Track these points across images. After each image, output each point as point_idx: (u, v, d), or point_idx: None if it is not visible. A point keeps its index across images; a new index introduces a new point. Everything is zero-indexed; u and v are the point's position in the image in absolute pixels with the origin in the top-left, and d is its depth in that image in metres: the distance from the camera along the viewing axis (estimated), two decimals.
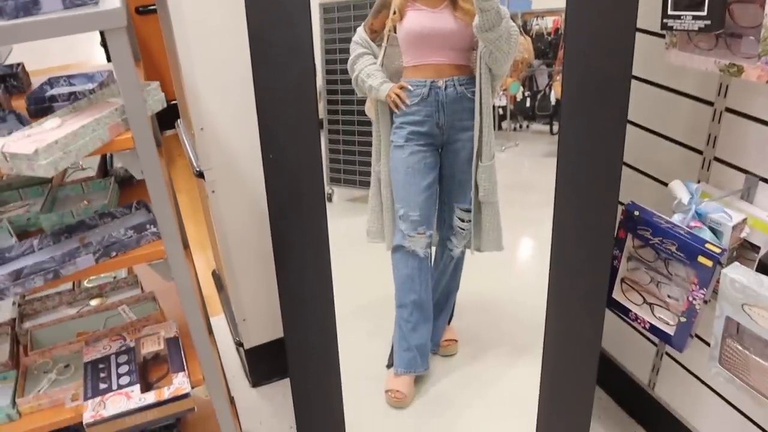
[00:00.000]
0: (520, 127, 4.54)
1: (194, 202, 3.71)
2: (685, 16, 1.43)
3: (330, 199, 3.42)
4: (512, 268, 2.82)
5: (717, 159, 1.70)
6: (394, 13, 1.92)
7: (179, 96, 2.22)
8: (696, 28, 1.42)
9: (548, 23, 4.70)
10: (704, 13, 1.40)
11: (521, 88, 4.36)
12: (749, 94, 1.58)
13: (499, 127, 4.36)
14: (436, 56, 1.90)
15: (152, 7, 3.56)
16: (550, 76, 4.35)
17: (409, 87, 1.89)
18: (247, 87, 1.42)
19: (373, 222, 2.09)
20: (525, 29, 4.67)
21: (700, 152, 1.74)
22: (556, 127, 4.47)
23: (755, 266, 1.50)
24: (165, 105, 1.35)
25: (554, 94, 4.20)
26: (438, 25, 1.87)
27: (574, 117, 1.47)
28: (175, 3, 1.75)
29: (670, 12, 1.47)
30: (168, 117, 2.68)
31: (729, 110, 1.65)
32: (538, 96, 4.53)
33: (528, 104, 4.52)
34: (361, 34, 1.99)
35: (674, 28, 1.47)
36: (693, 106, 1.74)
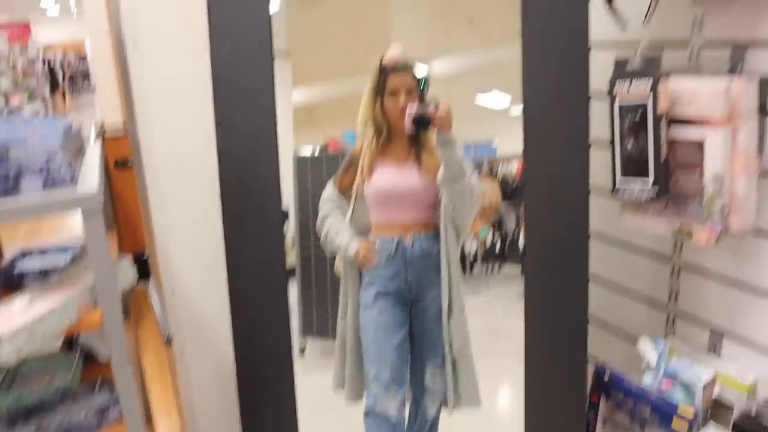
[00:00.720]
0: (492, 270, 4.61)
1: (162, 363, 3.59)
2: (634, 185, 1.53)
3: (302, 352, 3.35)
4: (492, 424, 2.71)
5: (681, 314, 1.73)
6: (362, 170, 1.96)
7: (151, 254, 2.23)
8: (644, 197, 1.51)
9: (513, 167, 4.94)
10: (650, 182, 1.49)
11: (491, 232, 4.47)
12: (703, 251, 1.64)
13: (471, 272, 4.42)
14: (403, 213, 1.92)
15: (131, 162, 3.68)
16: (518, 219, 4.49)
17: (376, 246, 1.92)
18: (219, 249, 1.46)
19: (338, 375, 2.05)
20: (491, 174, 4.90)
21: (664, 308, 1.78)
22: None
23: (730, 427, 1.49)
24: (137, 282, 1.36)
25: (523, 237, 4.30)
26: (405, 183, 1.90)
27: (537, 282, 1.52)
28: (150, 165, 1.81)
29: (619, 180, 1.56)
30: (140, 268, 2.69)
31: (686, 267, 1.71)
32: (508, 239, 4.64)
33: (498, 247, 4.62)
34: (329, 190, 2.01)
35: (624, 196, 1.56)
36: (652, 263, 1.79)
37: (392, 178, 1.92)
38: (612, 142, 1.59)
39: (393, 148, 1.95)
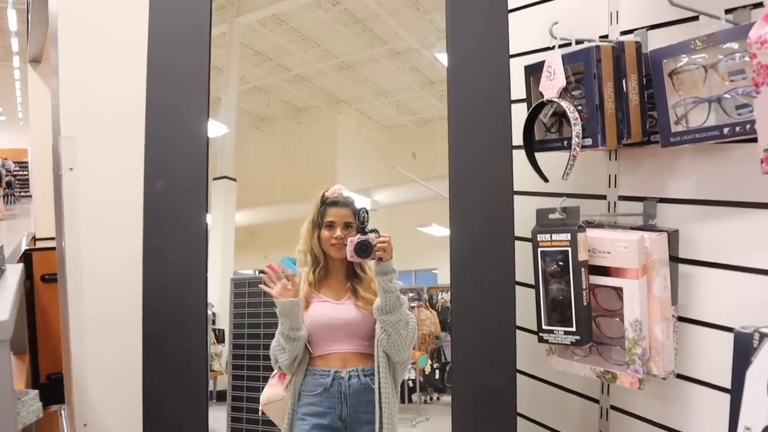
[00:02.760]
0: (431, 399, 4.50)
1: None
2: (558, 330, 1.57)
3: None
4: None
5: None
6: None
7: (66, 379, 2.10)
8: (568, 342, 1.55)
9: None
10: (573, 329, 1.54)
11: (429, 361, 4.42)
12: (629, 392, 1.67)
13: (410, 400, 4.31)
14: (341, 346, 1.90)
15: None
16: None
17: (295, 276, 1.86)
18: (137, 380, 1.39)
19: None
20: (431, 303, 4.92)
21: None
22: None
23: None
24: (40, 415, 1.27)
25: None
26: (342, 315, 1.90)
27: (464, 421, 1.50)
28: (74, 286, 1.75)
29: (544, 326, 1.61)
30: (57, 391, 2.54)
31: (614, 408, 1.73)
32: (447, 368, 4.58)
33: (438, 376, 4.54)
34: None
35: (549, 341, 1.60)
36: (582, 402, 1.80)
37: (329, 310, 1.91)
38: (536, 285, 1.64)
39: (330, 281, 1.97)
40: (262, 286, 1.85)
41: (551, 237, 1.58)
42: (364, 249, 1.80)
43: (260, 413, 1.99)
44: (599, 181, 1.74)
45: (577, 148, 1.54)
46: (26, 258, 3.52)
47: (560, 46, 1.63)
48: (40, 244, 3.90)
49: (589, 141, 1.56)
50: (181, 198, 1.44)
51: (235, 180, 4.08)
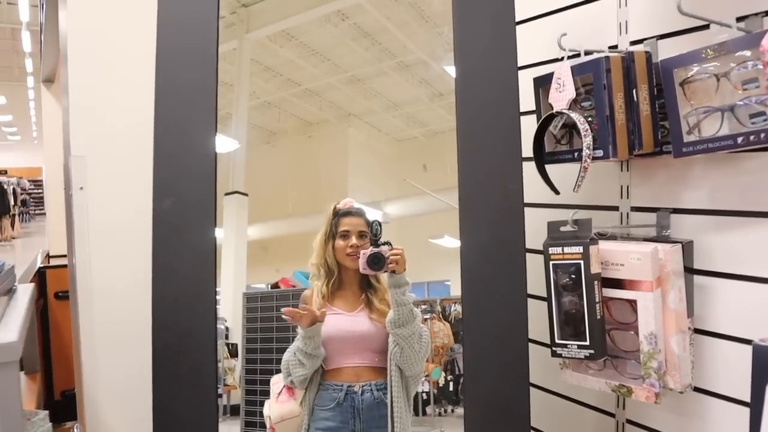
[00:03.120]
0: (445, 411, 4.48)
1: None
2: (571, 344, 1.55)
3: None
4: None
5: None
6: None
7: (78, 398, 2.10)
8: (582, 356, 1.52)
9: None
10: (587, 343, 1.51)
11: (443, 374, 4.40)
12: (645, 406, 1.64)
13: (424, 413, 4.29)
14: (354, 359, 1.87)
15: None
16: None
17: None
18: (147, 395, 1.39)
19: None
20: (444, 315, 4.91)
21: None
22: None
23: None
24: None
25: None
26: (356, 329, 1.87)
27: None
28: (85, 304, 1.76)
29: (557, 341, 1.58)
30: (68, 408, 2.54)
31: (630, 422, 1.69)
32: (461, 380, 4.55)
33: (451, 388, 4.52)
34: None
35: (563, 355, 1.57)
36: (597, 416, 1.78)
37: (342, 323, 1.88)
38: (548, 298, 1.62)
39: (343, 293, 1.94)
40: (287, 318, 1.79)
41: (563, 250, 1.56)
42: (377, 261, 1.78)
43: (269, 430, 1.97)
44: (611, 192, 1.72)
45: (588, 160, 1.52)
46: (40, 275, 3.55)
47: (569, 57, 1.62)
48: (54, 262, 3.93)
49: (600, 152, 1.54)
50: (190, 214, 1.44)
51: (246, 195, 4.10)
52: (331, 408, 1.85)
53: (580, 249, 1.52)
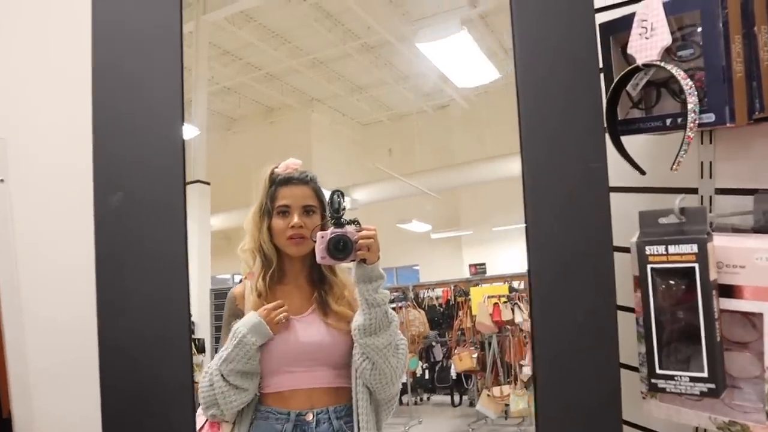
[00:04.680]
0: (421, 400, 4.48)
1: None
2: (681, 376, 1.29)
3: None
4: None
5: None
6: None
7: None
8: (697, 392, 1.26)
9: (439, 293, 4.91)
10: (705, 374, 1.26)
11: (420, 362, 4.39)
12: None
13: (400, 403, 4.29)
14: (305, 379, 1.49)
15: None
16: (447, 348, 4.44)
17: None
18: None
19: None
20: (417, 302, 4.86)
21: None
22: (457, 399, 4.40)
23: None
24: None
25: (453, 366, 4.24)
26: (307, 338, 1.51)
27: None
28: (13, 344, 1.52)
29: (659, 371, 1.30)
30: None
31: None
32: (437, 368, 4.56)
33: (427, 377, 4.52)
34: (213, 366, 1.59)
35: (667, 390, 1.31)
36: None
37: (287, 330, 1.50)
38: (644, 315, 1.38)
39: (286, 289, 1.52)
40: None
41: (667, 249, 1.32)
42: (342, 248, 1.34)
43: None
44: (687, 171, 1.47)
45: (694, 127, 1.27)
46: None
47: None
48: None
49: (710, 116, 1.26)
50: (148, 212, 1.21)
51: (208, 184, 3.94)
52: None
53: (693, 248, 1.26)
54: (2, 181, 1.41)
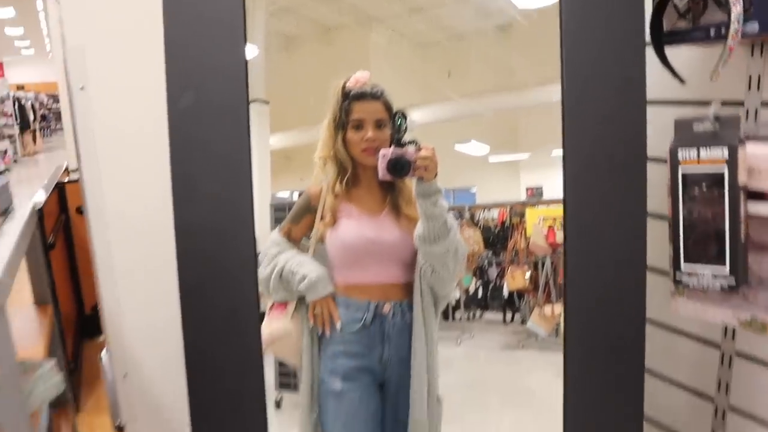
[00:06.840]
0: (473, 316, 4.55)
1: None
2: (703, 271, 1.24)
3: (279, 406, 3.22)
4: None
5: (732, 408, 1.44)
6: (323, 218, 1.56)
7: (102, 321, 1.98)
8: (718, 287, 1.23)
9: (494, 214, 4.90)
10: (726, 270, 1.21)
11: (473, 279, 4.43)
12: (759, 338, 1.33)
13: (453, 317, 4.37)
14: (381, 274, 1.54)
15: None
16: (501, 266, 4.46)
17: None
18: (177, 328, 1.30)
19: None
20: (473, 221, 4.87)
21: (710, 399, 1.49)
22: (508, 317, 4.45)
23: None
24: (62, 389, 1.22)
25: (506, 285, 4.28)
26: (382, 236, 1.52)
27: (581, 381, 1.30)
28: (97, 223, 1.62)
29: (683, 267, 1.28)
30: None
31: (740, 354, 1.42)
32: (490, 286, 4.60)
33: (480, 294, 4.58)
34: (276, 238, 1.59)
35: (690, 285, 1.28)
36: (698, 347, 1.51)
37: (366, 229, 1.53)
38: (672, 217, 1.31)
39: (362, 193, 1.57)
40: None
41: (698, 154, 1.24)
42: (401, 167, 1.43)
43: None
44: (733, 83, 1.34)
45: (736, 37, 1.13)
46: (60, 190, 3.49)
47: None
48: (74, 176, 3.87)
49: (754, 25, 1.16)
50: (217, 119, 1.28)
51: (268, 103, 3.97)
52: (355, 331, 1.52)
53: (724, 152, 1.19)
54: (83, 89, 1.48)
